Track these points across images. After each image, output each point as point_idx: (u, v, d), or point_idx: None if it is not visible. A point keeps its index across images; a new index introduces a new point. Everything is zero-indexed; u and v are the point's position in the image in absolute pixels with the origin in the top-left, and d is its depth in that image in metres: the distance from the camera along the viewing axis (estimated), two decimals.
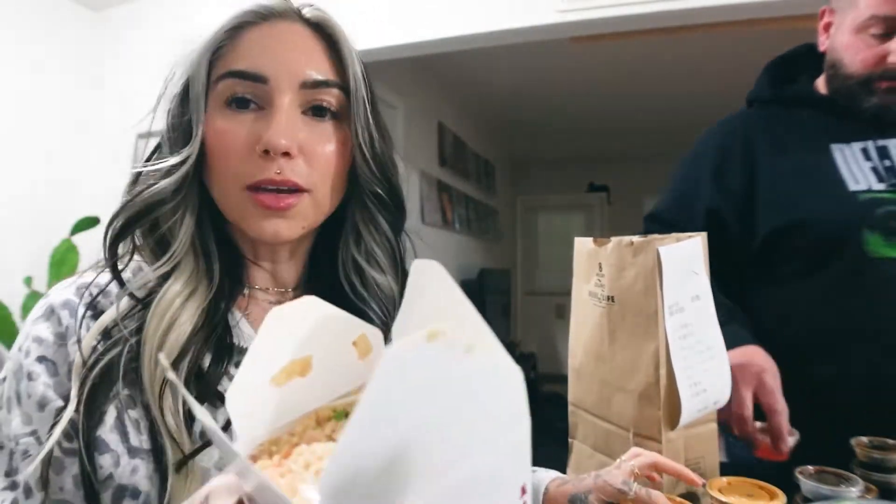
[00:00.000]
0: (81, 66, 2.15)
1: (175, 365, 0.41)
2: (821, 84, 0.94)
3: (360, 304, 0.52)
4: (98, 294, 0.44)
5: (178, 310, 0.43)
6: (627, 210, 5.43)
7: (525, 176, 5.71)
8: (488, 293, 3.61)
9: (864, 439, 0.65)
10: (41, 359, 0.41)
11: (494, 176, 4.72)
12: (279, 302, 0.50)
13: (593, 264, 0.69)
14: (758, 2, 1.48)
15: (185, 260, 0.46)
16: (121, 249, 0.46)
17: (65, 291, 0.44)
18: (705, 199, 0.94)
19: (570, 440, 0.74)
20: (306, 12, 0.49)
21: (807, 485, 0.59)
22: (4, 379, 0.43)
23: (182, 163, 0.46)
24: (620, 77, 3.27)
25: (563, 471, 0.73)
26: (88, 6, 2.15)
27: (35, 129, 2.02)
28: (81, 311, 0.42)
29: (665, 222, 1.01)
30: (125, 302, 0.43)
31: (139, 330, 0.42)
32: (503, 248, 5.27)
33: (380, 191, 0.51)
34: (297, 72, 0.46)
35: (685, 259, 0.62)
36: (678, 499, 0.56)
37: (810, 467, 0.61)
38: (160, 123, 0.52)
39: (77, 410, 0.39)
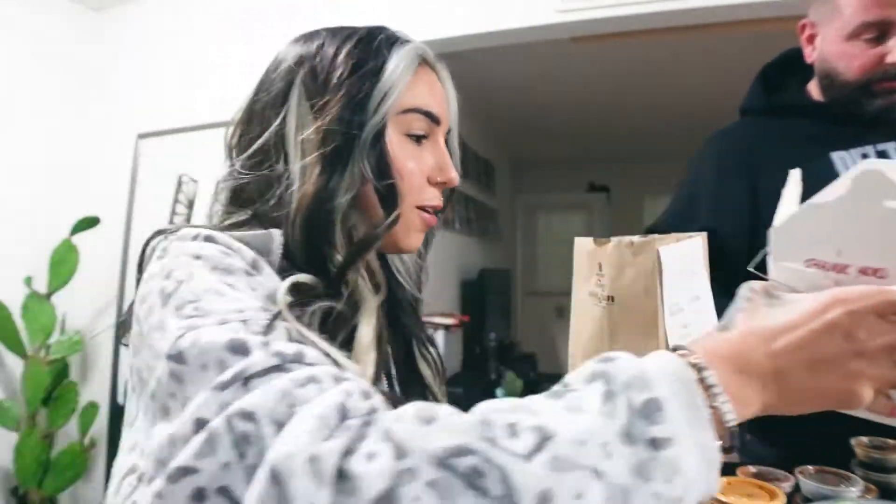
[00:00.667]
0: (81, 66, 2.15)
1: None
2: (813, 89, 0.94)
3: (402, 281, 0.64)
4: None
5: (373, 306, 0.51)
6: (627, 210, 5.43)
7: (525, 176, 5.71)
8: (488, 293, 3.61)
9: (865, 439, 0.65)
10: (246, 272, 0.43)
11: (494, 176, 4.72)
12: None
13: (593, 264, 0.69)
14: (758, 2, 1.48)
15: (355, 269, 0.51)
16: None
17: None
18: (702, 219, 0.93)
19: None
20: (440, 67, 0.59)
21: (807, 485, 0.59)
22: (169, 275, 0.41)
23: (395, 192, 0.52)
24: (620, 77, 3.27)
25: None
26: (88, 6, 2.15)
27: (35, 128, 2.02)
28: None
29: None
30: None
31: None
32: (503, 248, 5.27)
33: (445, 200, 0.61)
34: (446, 120, 0.58)
35: (685, 259, 0.62)
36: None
37: (811, 467, 0.61)
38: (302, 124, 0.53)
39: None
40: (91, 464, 1.98)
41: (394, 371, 0.61)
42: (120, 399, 1.95)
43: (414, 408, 0.31)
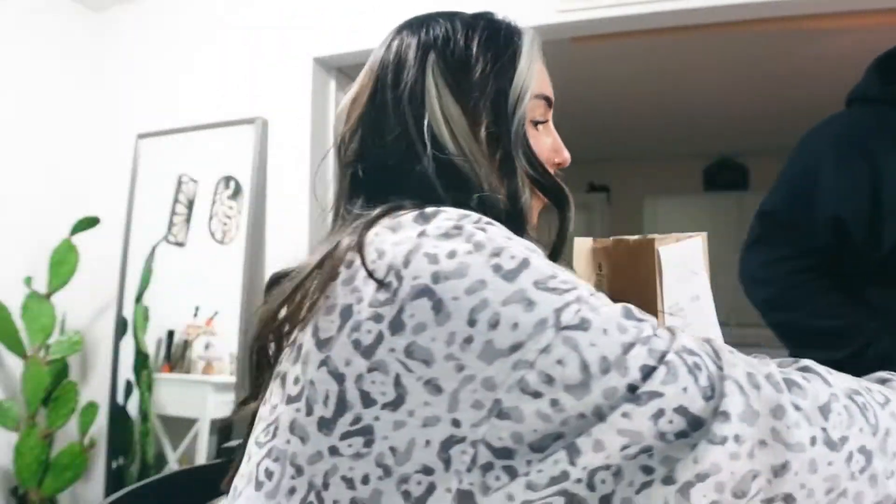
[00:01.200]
0: (81, 66, 2.15)
1: None
2: None
3: None
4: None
5: None
6: (627, 210, 5.43)
7: None
8: None
9: None
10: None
11: None
12: None
13: (593, 264, 0.69)
14: (758, 2, 1.48)
15: None
16: None
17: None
18: (829, 205, 0.92)
19: None
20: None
21: None
22: (499, 253, 0.42)
23: (545, 179, 0.56)
24: (621, 77, 3.27)
25: None
26: (88, 6, 2.15)
27: (35, 128, 2.02)
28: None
29: (782, 223, 0.99)
30: None
31: None
32: None
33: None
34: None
35: (685, 259, 0.62)
36: None
37: None
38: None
39: None
40: (91, 464, 1.98)
41: None
42: (119, 399, 1.95)
43: (811, 361, 0.46)
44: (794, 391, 0.40)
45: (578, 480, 0.38)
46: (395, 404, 0.41)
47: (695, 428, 0.37)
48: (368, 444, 0.41)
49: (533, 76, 0.54)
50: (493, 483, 0.39)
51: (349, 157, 0.55)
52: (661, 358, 0.39)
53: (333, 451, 0.42)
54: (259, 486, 0.45)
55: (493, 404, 0.39)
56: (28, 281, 1.85)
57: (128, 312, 1.97)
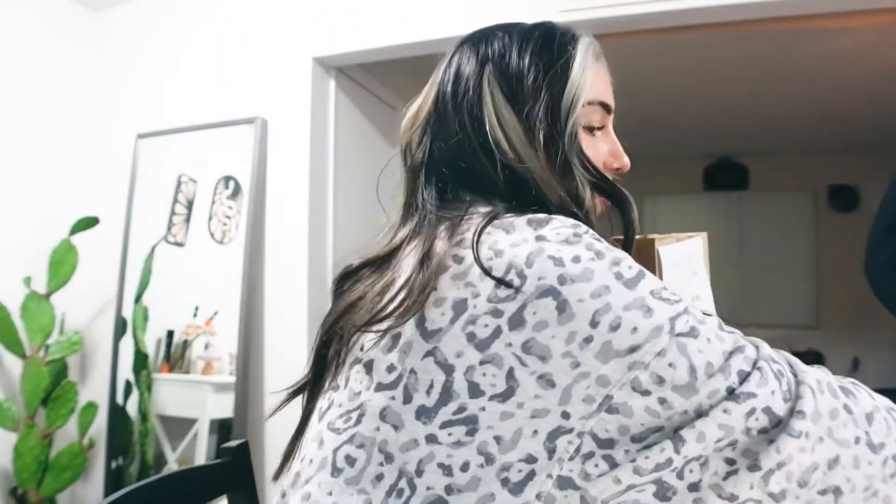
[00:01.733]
0: (81, 66, 2.15)
1: None
2: None
3: None
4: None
5: None
6: None
7: None
8: None
9: None
10: None
11: None
12: None
13: None
14: (758, 2, 1.48)
15: None
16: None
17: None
18: None
19: None
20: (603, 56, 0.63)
21: None
22: (618, 263, 0.46)
23: (610, 184, 0.58)
24: (620, 77, 3.26)
25: None
26: (88, 6, 2.15)
27: (34, 128, 2.01)
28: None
29: None
30: None
31: None
32: None
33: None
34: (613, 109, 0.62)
35: (685, 259, 0.62)
36: None
37: None
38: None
39: None
40: (90, 464, 1.98)
41: None
42: (119, 399, 1.95)
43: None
44: (849, 397, 0.46)
45: (674, 469, 0.42)
46: (504, 396, 0.43)
47: (774, 425, 0.43)
48: (471, 433, 0.43)
49: (586, 83, 0.56)
50: (593, 470, 0.43)
51: (417, 160, 0.59)
52: (755, 364, 0.44)
53: (431, 438, 0.44)
54: (337, 472, 0.46)
55: (604, 399, 0.42)
56: (27, 281, 1.85)
57: (127, 312, 1.97)
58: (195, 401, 1.84)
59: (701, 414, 0.42)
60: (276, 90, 1.87)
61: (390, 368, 0.46)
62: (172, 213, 1.96)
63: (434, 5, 1.72)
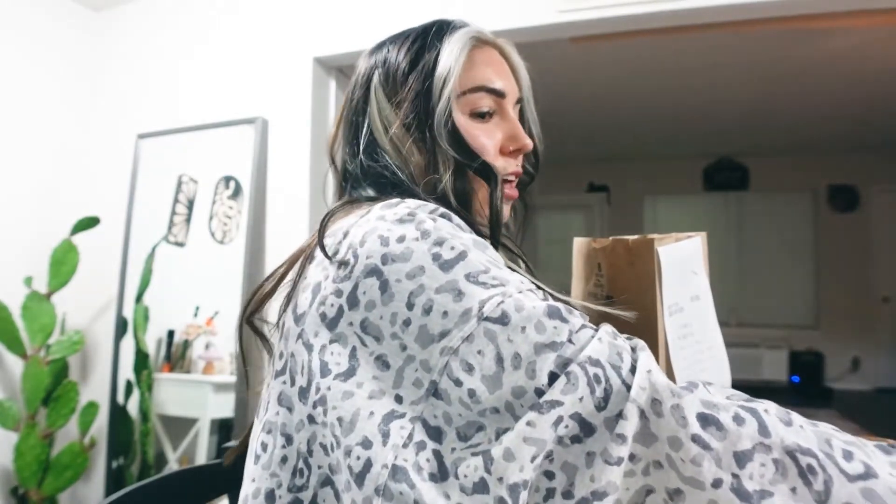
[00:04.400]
0: (81, 66, 2.15)
1: None
2: None
3: None
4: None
5: None
6: (627, 210, 5.43)
7: None
8: None
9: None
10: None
11: None
12: None
13: (592, 264, 0.69)
14: (758, 2, 1.48)
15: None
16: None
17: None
18: None
19: None
20: (499, 42, 0.64)
21: None
22: (441, 243, 0.46)
23: (488, 168, 0.58)
24: (620, 77, 3.28)
25: None
26: (88, 6, 2.15)
27: (35, 128, 2.02)
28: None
29: None
30: None
31: None
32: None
33: (532, 169, 0.69)
34: (514, 91, 0.62)
35: (685, 259, 0.62)
36: None
37: None
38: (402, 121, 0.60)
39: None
40: (91, 463, 1.98)
41: None
42: (119, 399, 1.95)
43: (774, 406, 0.41)
44: (708, 430, 0.38)
45: (499, 493, 0.39)
46: (346, 375, 0.44)
47: (587, 434, 0.39)
48: (325, 413, 0.44)
49: (456, 72, 0.57)
50: (425, 465, 0.41)
51: (336, 167, 0.65)
52: (565, 366, 0.40)
53: (311, 419, 0.45)
54: (256, 459, 0.49)
55: (430, 384, 0.42)
56: (28, 281, 1.85)
57: (128, 312, 1.97)
58: (196, 400, 1.84)
59: (514, 417, 0.40)
60: (276, 90, 1.87)
61: (280, 355, 0.49)
62: (173, 213, 1.97)
63: (434, 5, 1.72)
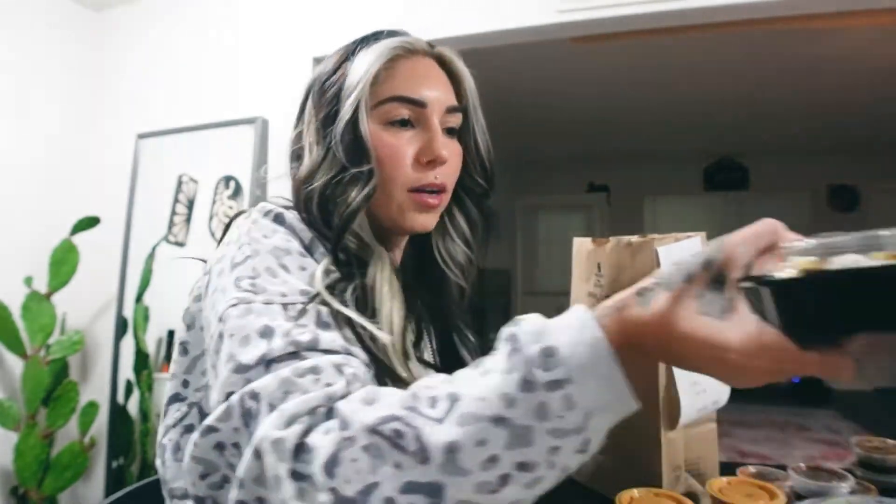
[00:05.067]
0: (81, 66, 2.15)
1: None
2: None
3: (445, 269, 0.67)
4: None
5: (390, 290, 0.56)
6: (627, 210, 5.43)
7: (525, 176, 5.70)
8: (488, 293, 3.61)
9: (864, 439, 0.65)
10: (301, 252, 0.52)
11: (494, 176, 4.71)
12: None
13: (592, 264, 0.69)
14: (757, 2, 1.48)
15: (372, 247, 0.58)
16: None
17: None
18: None
19: None
20: (437, 49, 0.63)
21: (799, 481, 0.59)
22: (241, 247, 0.50)
23: (371, 174, 0.57)
24: (620, 77, 3.28)
25: None
26: (89, 6, 2.15)
27: (35, 128, 2.02)
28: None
29: None
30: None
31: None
32: (503, 248, 5.27)
33: (482, 181, 0.66)
34: (443, 99, 0.60)
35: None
36: (679, 496, 0.56)
37: (803, 464, 0.61)
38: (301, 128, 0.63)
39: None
40: (91, 463, 1.98)
41: (433, 348, 0.67)
42: (120, 399, 1.95)
43: (364, 391, 0.39)
44: (300, 457, 0.36)
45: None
46: (177, 355, 0.56)
47: (233, 471, 0.42)
48: None
49: (364, 83, 0.56)
50: (186, 447, 0.47)
51: None
52: (227, 396, 0.41)
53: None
54: None
55: (212, 375, 0.46)
56: (28, 281, 1.85)
57: (128, 312, 1.97)
58: None
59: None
60: (276, 90, 1.87)
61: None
62: (173, 212, 1.97)
63: (434, 5, 1.72)
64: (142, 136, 2.04)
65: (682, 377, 0.61)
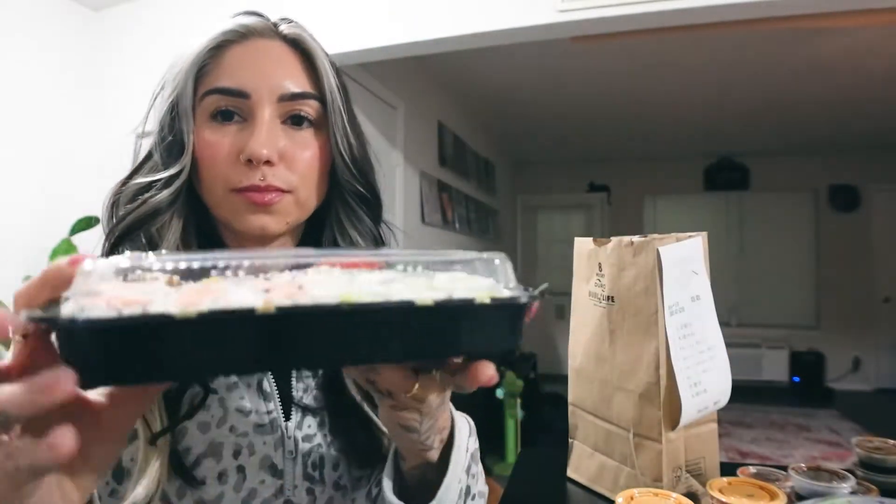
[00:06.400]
0: (81, 65, 2.15)
1: None
2: None
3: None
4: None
5: None
6: (627, 210, 5.43)
7: (525, 176, 5.71)
8: None
9: (865, 439, 0.65)
10: None
11: (494, 176, 4.72)
12: None
13: (593, 264, 0.69)
14: (758, 2, 1.48)
15: None
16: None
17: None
18: None
19: (570, 440, 0.73)
20: (283, 29, 0.55)
21: (799, 482, 0.59)
22: None
23: (177, 175, 0.52)
24: (621, 77, 3.28)
25: (563, 471, 0.73)
26: (87, 6, 2.15)
27: (34, 128, 2.02)
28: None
29: None
30: None
31: None
32: (503, 248, 5.25)
33: (360, 188, 0.56)
34: (275, 86, 0.51)
35: (685, 259, 0.62)
36: (679, 497, 0.55)
37: (803, 465, 0.61)
38: (152, 128, 0.58)
39: None
40: None
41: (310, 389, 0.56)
42: None
43: None
44: None
45: None
46: None
47: None
48: None
49: (180, 77, 0.52)
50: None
51: None
52: None
53: None
54: None
55: None
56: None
57: None
58: None
59: None
60: None
61: None
62: None
63: (434, 5, 1.72)
64: (142, 136, 2.04)
65: (683, 377, 0.61)
